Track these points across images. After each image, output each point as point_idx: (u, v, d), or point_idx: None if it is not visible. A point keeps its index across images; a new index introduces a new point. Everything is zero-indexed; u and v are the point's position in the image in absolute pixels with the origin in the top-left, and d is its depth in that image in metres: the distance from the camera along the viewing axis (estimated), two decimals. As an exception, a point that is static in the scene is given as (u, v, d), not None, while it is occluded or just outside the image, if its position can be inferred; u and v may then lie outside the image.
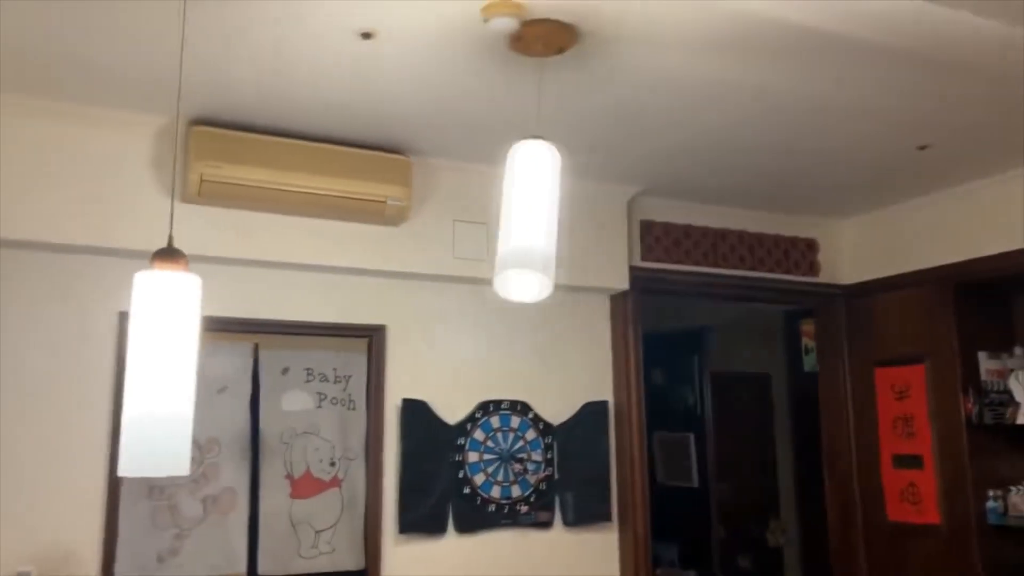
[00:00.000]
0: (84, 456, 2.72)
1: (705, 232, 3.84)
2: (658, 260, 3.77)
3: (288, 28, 2.21)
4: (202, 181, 2.73)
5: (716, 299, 4.22)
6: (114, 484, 2.75)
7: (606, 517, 3.46)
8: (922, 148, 3.14)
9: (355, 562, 3.06)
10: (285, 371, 3.10)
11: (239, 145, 2.79)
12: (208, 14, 2.11)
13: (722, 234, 3.86)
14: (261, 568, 2.93)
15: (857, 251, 4.10)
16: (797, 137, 3.03)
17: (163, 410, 1.73)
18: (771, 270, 3.97)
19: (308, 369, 3.13)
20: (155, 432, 1.72)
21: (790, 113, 2.80)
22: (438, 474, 3.19)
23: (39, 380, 2.69)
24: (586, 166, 3.28)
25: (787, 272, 4.01)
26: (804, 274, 4.06)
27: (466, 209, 3.30)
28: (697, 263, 3.82)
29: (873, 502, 3.89)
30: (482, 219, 3.31)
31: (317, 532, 3.04)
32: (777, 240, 4.00)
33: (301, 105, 2.72)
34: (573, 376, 3.53)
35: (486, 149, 3.03)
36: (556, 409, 3.47)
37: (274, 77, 2.51)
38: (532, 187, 2.23)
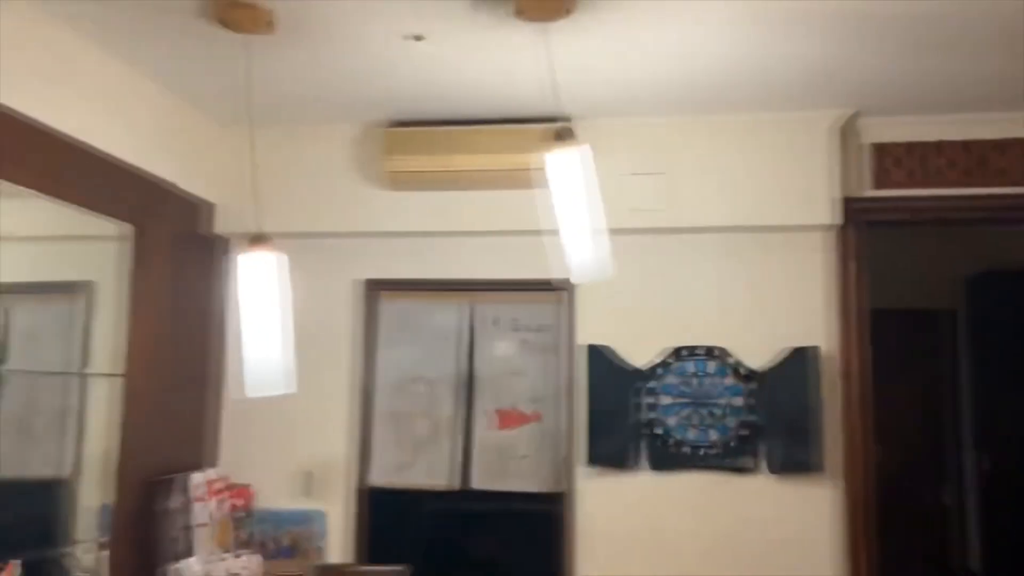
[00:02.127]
0: (342, 392, 3.63)
1: (952, 147, 3.24)
2: (899, 186, 3.32)
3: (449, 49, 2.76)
4: (393, 172, 3.41)
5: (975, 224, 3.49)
6: (366, 412, 3.63)
7: (816, 467, 3.25)
8: None
9: (552, 486, 3.49)
10: (495, 322, 3.64)
11: (417, 138, 3.40)
12: (389, 50, 2.77)
13: (965, 146, 3.21)
14: (474, 483, 3.55)
15: None
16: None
17: (273, 355, 2.46)
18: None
19: (514, 319, 3.63)
20: (269, 365, 2.46)
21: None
22: (625, 414, 3.41)
23: (307, 337, 3.67)
24: (783, 94, 3.13)
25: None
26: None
27: (641, 161, 3.41)
28: (952, 185, 3.26)
29: None
30: (659, 169, 3.39)
31: (520, 457, 3.54)
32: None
33: (469, 97, 3.19)
34: (778, 320, 3.37)
35: (656, 101, 3.15)
36: (759, 355, 3.36)
37: (443, 77, 3.03)
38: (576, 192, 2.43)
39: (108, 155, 2.92)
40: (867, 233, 3.31)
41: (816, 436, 3.27)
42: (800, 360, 3.31)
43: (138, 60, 2.91)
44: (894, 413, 4.82)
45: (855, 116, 3.30)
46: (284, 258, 2.49)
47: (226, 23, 2.53)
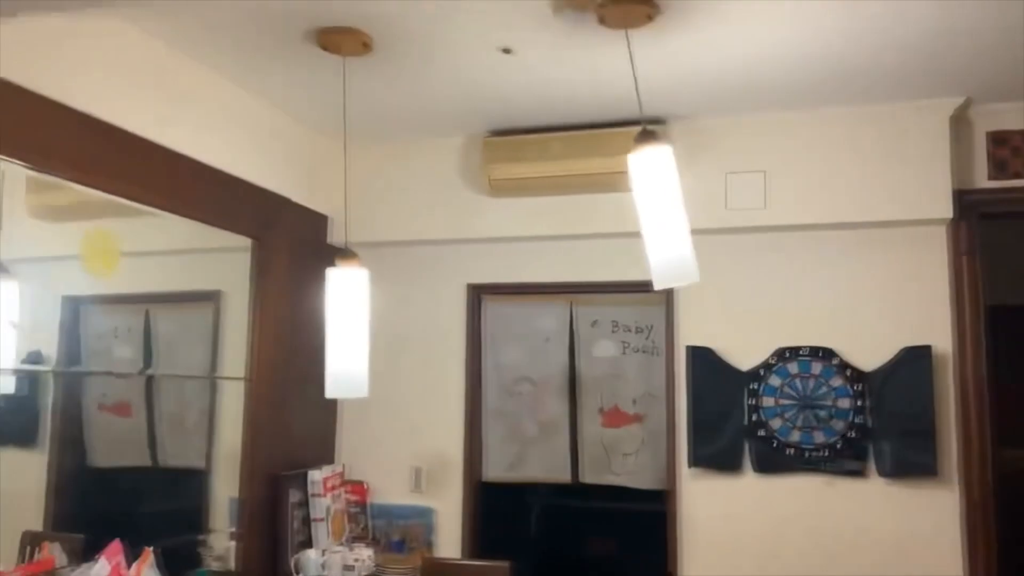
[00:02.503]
0: (450, 393, 3.77)
1: (1077, 133, 3.05)
2: (1017, 176, 3.16)
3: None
4: (494, 180, 3.52)
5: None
6: (473, 413, 3.75)
7: (930, 471, 3.13)
8: None
9: (656, 484, 3.50)
10: (595, 323, 3.69)
11: (515, 146, 3.49)
12: (481, 64, 2.92)
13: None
14: (583, 477, 3.62)
15: None
16: None
17: (352, 362, 2.63)
18: None
19: (614, 321, 3.66)
20: (347, 371, 2.63)
21: None
22: (728, 416, 3.38)
23: (418, 338, 3.84)
24: (886, 84, 3.04)
25: None
26: None
27: (740, 160, 3.38)
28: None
29: None
30: (758, 168, 3.35)
31: (624, 455, 3.57)
32: None
33: (564, 104, 3.25)
34: (889, 319, 3.26)
35: (752, 98, 3.15)
36: (869, 354, 3.27)
37: (535, 87, 3.12)
38: (657, 195, 2.45)
39: (229, 174, 3.15)
40: (983, 226, 3.16)
41: (930, 438, 3.15)
42: (912, 360, 3.20)
43: (252, 84, 3.13)
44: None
45: (966, 104, 3.16)
46: (366, 273, 2.64)
47: (327, 47, 2.69)
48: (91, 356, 3.34)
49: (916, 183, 3.18)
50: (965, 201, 3.15)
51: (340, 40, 2.66)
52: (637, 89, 2.78)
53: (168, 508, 3.52)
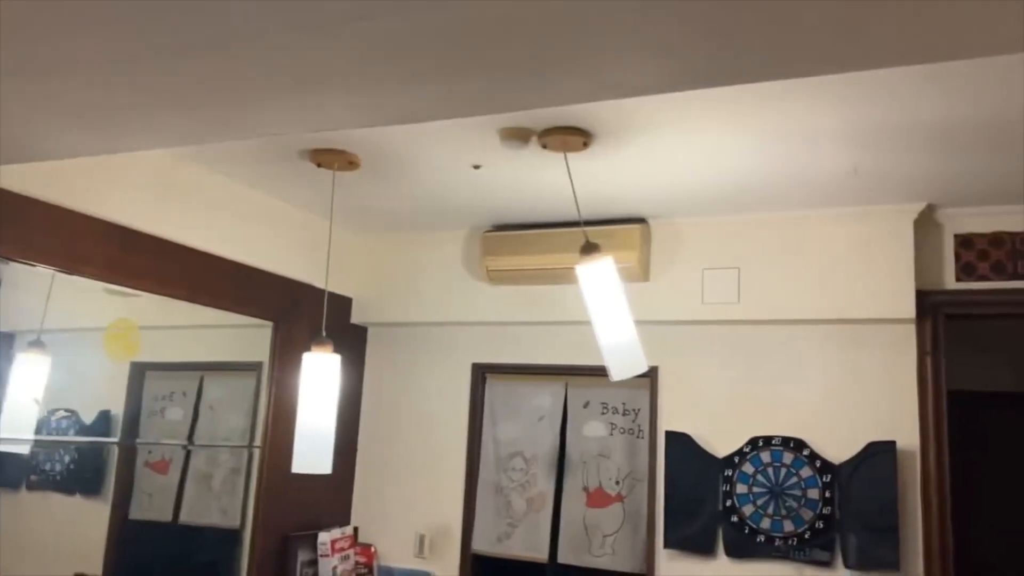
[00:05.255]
0: (452, 465, 4.06)
1: (1037, 239, 3.12)
2: (982, 279, 3.24)
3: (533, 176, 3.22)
4: (491, 270, 3.84)
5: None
6: (471, 485, 4.02)
7: (893, 566, 3.19)
8: None
9: (633, 567, 3.66)
10: (586, 404, 3.91)
11: (509, 241, 3.80)
12: (457, 175, 3.29)
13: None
14: (560, 557, 3.80)
15: None
16: None
17: (319, 436, 2.96)
18: None
19: (604, 403, 3.88)
20: (313, 448, 2.96)
21: None
22: (703, 500, 3.53)
23: (427, 411, 4.16)
24: (848, 192, 3.20)
25: None
26: None
27: (714, 256, 3.58)
28: (1040, 277, 3.13)
29: None
30: (732, 264, 3.55)
31: (604, 536, 3.75)
32: None
33: (542, 204, 3.56)
34: (856, 413, 3.36)
35: (724, 201, 3.38)
36: (838, 447, 3.37)
37: (507, 194, 3.48)
38: (604, 299, 2.75)
39: (244, 264, 3.60)
40: (950, 325, 3.24)
41: (894, 533, 3.22)
42: (877, 454, 3.29)
43: (264, 188, 3.57)
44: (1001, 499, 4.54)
45: (930, 209, 3.28)
46: (338, 358, 2.97)
47: (320, 163, 3.10)
48: (148, 416, 3.83)
49: (881, 283, 3.30)
50: (930, 302, 3.26)
51: (331, 158, 3.06)
52: (577, 203, 3.09)
53: (200, 562, 3.93)
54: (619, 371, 2.82)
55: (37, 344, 3.01)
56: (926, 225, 3.33)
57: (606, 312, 2.80)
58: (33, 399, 2.99)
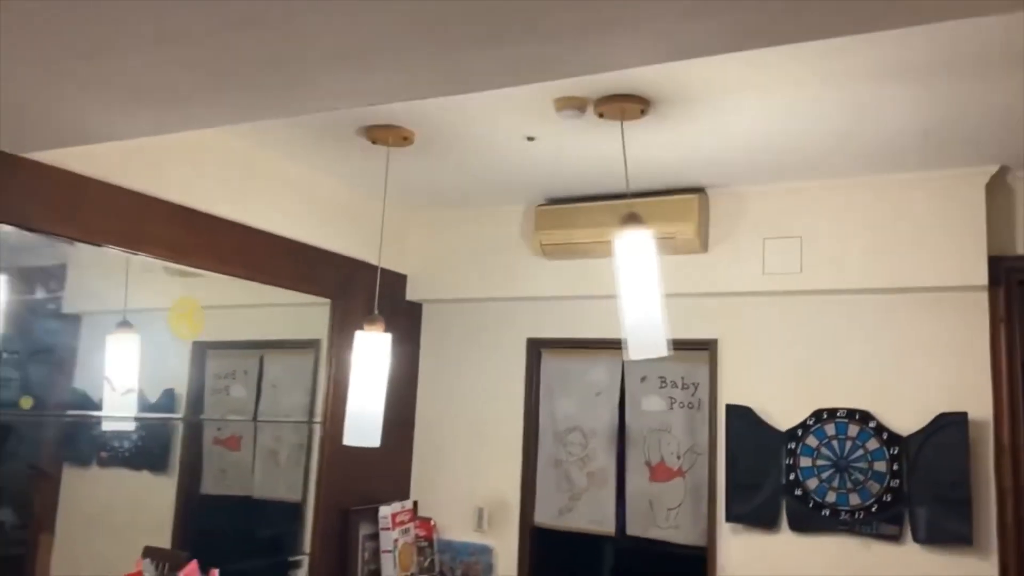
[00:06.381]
0: (509, 440, 4.06)
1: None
2: (1063, 243, 3.10)
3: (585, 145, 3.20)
4: (544, 244, 3.80)
5: None
6: (528, 460, 4.02)
7: (966, 540, 3.10)
8: None
9: (696, 540, 3.63)
10: (643, 379, 3.87)
11: (562, 214, 3.76)
12: (513, 148, 3.28)
13: None
14: (628, 530, 3.79)
15: None
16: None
17: (369, 411, 2.98)
18: None
19: (661, 377, 3.83)
20: (364, 423, 2.98)
21: None
22: (766, 474, 3.47)
23: (484, 386, 4.16)
24: (930, 151, 3.06)
25: None
26: None
27: (776, 226, 3.49)
28: None
29: None
30: (794, 233, 3.46)
31: (668, 510, 3.72)
32: None
33: (598, 176, 3.50)
34: (926, 384, 3.26)
35: (788, 168, 3.29)
36: (905, 418, 3.28)
37: (563, 166, 3.45)
38: (636, 274, 2.68)
39: (301, 242, 3.63)
40: (1021, 293, 3.12)
41: (966, 506, 3.12)
42: (948, 426, 3.19)
43: (320, 167, 3.58)
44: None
45: (1002, 172, 3.14)
46: (388, 337, 2.98)
47: (375, 140, 3.09)
48: (212, 394, 3.90)
49: (951, 250, 3.19)
50: (1003, 268, 3.13)
51: (385, 134, 3.05)
52: (627, 173, 3.01)
53: (265, 535, 4.01)
54: (637, 350, 2.68)
55: (125, 324, 3.09)
56: (998, 188, 3.20)
57: (636, 286, 2.70)
58: (129, 383, 3.08)
